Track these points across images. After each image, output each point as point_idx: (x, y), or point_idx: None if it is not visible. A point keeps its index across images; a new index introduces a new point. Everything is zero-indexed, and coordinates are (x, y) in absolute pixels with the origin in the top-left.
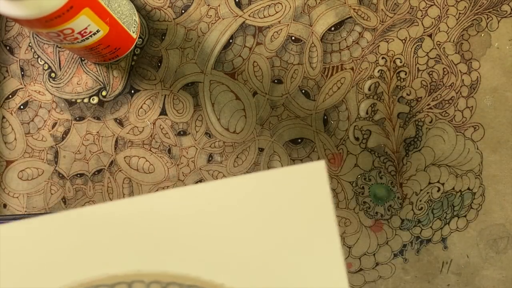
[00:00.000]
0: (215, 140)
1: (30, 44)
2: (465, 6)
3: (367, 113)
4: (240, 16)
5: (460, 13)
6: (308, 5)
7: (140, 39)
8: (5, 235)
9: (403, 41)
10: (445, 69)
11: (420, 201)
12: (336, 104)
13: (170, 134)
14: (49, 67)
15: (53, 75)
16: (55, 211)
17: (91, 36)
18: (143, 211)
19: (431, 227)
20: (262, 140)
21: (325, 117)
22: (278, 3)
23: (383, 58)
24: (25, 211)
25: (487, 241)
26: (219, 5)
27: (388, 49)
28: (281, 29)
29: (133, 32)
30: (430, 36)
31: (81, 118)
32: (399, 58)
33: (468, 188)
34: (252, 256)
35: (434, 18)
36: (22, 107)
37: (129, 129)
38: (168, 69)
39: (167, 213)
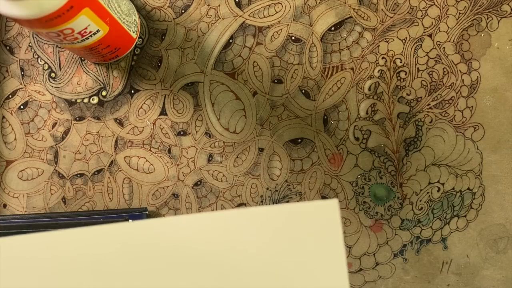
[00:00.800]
0: (215, 140)
1: (30, 44)
2: (465, 6)
3: (367, 113)
4: (240, 16)
5: (460, 13)
6: (308, 5)
7: (140, 39)
8: (11, 247)
9: (403, 41)
10: (445, 69)
11: (420, 201)
12: (336, 104)
13: (170, 134)
14: (49, 67)
15: (53, 75)
16: (55, 211)
17: (91, 36)
18: (157, 234)
19: (431, 227)
20: (262, 140)
21: (325, 117)
22: (278, 3)
23: (383, 58)
24: (25, 211)
25: (487, 241)
26: (219, 5)
27: (388, 49)
28: (281, 29)
29: (133, 32)
30: (430, 36)
31: (81, 118)
32: (399, 58)
33: (468, 188)
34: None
35: (434, 18)
36: (22, 107)
37: (129, 129)
38: (168, 69)
39: (181, 238)
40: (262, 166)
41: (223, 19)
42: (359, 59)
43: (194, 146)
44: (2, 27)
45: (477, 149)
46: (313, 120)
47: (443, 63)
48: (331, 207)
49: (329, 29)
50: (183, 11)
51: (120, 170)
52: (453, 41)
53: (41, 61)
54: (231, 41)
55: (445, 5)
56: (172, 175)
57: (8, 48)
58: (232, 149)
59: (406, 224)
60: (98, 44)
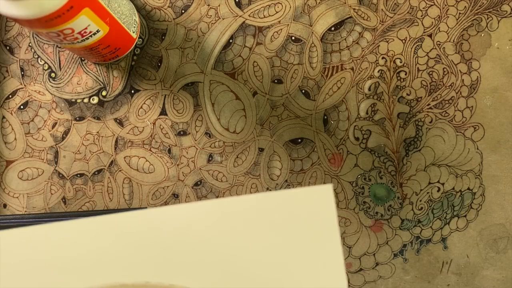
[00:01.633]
0: (215, 140)
1: (30, 44)
2: (465, 6)
3: (367, 113)
4: (240, 16)
5: (460, 13)
6: (308, 5)
7: (140, 39)
8: (12, 240)
9: (403, 41)
10: (445, 69)
11: (420, 201)
12: (336, 104)
13: (170, 134)
14: (49, 67)
15: (53, 75)
16: (55, 211)
17: (91, 36)
18: (156, 224)
19: (431, 227)
20: (262, 140)
21: (325, 117)
22: (278, 3)
23: (383, 58)
24: (25, 211)
25: (487, 241)
26: (219, 5)
27: (388, 49)
28: (281, 29)
29: (133, 32)
30: (430, 36)
31: (81, 118)
32: (399, 58)
33: (468, 188)
34: (259, 274)
35: (434, 18)
36: (22, 107)
37: (129, 129)
38: (168, 69)
39: (179, 227)
40: (262, 166)
41: (223, 19)
42: (359, 59)
43: (194, 146)
44: (2, 27)
45: (477, 149)
46: (313, 120)
47: (443, 63)
48: (326, 192)
49: (329, 29)
50: (183, 11)
51: (120, 170)
52: (453, 41)
53: (41, 61)
54: (231, 41)
55: (445, 5)
56: (172, 175)
57: (8, 48)
58: (232, 149)
59: (406, 224)
60: (98, 44)
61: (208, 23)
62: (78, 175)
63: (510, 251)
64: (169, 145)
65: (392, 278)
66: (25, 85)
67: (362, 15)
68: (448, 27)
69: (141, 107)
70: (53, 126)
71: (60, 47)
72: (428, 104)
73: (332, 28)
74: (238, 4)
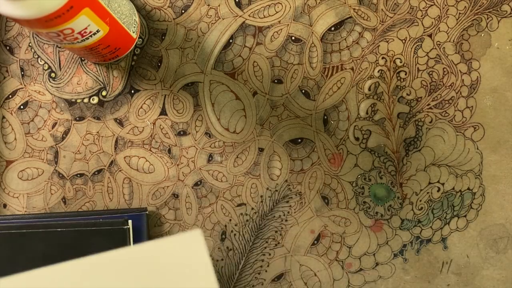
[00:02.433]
0: (215, 140)
1: (30, 44)
2: (465, 6)
3: (367, 113)
4: (240, 16)
5: (460, 13)
6: (308, 5)
7: (140, 39)
8: None
9: (403, 41)
10: (445, 69)
11: (420, 201)
12: (336, 104)
13: (170, 134)
14: (49, 67)
15: (53, 75)
16: (55, 211)
17: (91, 36)
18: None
19: (431, 227)
20: (262, 140)
21: (325, 117)
22: (278, 3)
23: (383, 58)
24: (25, 211)
25: (487, 241)
26: (219, 5)
27: (388, 49)
28: (281, 29)
29: (133, 32)
30: (430, 36)
31: (81, 118)
32: (399, 58)
33: (468, 188)
34: None
35: (434, 18)
36: (22, 107)
37: (129, 129)
38: (168, 69)
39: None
40: (262, 166)
41: (223, 19)
42: (359, 59)
43: (194, 146)
44: (2, 27)
45: (477, 149)
46: (313, 120)
47: (443, 63)
48: (195, 238)
49: (329, 29)
50: (183, 11)
51: (120, 170)
52: (453, 41)
53: (41, 61)
54: (231, 41)
55: (445, 5)
56: (172, 175)
57: (8, 48)
58: (232, 149)
59: (406, 224)
60: (98, 44)
61: (208, 23)
62: (78, 175)
63: (510, 251)
64: (169, 145)
65: (392, 278)
66: (25, 85)
67: (362, 15)
68: (448, 27)
69: (141, 107)
70: (53, 126)
71: (60, 47)
72: (428, 104)
73: (332, 28)
74: (238, 4)
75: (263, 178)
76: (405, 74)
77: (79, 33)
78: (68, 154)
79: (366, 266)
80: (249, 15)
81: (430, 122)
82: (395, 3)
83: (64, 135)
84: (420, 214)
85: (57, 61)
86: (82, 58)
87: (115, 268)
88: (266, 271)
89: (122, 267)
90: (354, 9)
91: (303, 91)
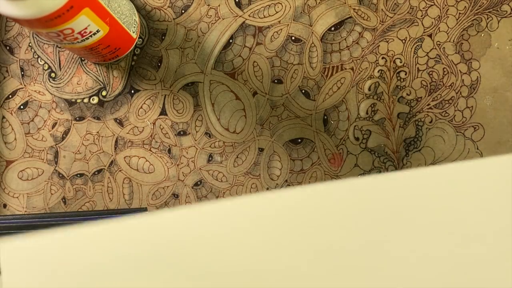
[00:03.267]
0: (215, 140)
1: (30, 44)
2: (465, 6)
3: (367, 113)
4: (240, 16)
5: (460, 13)
6: (308, 5)
7: (140, 39)
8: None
9: (403, 41)
10: (445, 69)
11: None
12: (336, 104)
13: (170, 134)
14: (49, 67)
15: (53, 75)
16: (55, 211)
17: (91, 36)
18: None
19: None
20: (262, 140)
21: (325, 117)
22: (278, 3)
23: (383, 58)
24: (25, 211)
25: None
26: (219, 5)
27: (388, 49)
28: (281, 29)
29: (133, 32)
30: (430, 36)
31: (81, 118)
32: (399, 58)
33: None
34: None
35: (434, 18)
36: (22, 107)
37: (129, 129)
38: (168, 69)
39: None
40: (262, 166)
41: (223, 19)
42: (359, 59)
43: (194, 146)
44: (2, 27)
45: (477, 149)
46: (313, 120)
47: (443, 63)
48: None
49: (329, 29)
50: (183, 11)
51: (120, 170)
52: (453, 41)
53: (41, 61)
54: (231, 41)
55: (445, 5)
56: (172, 175)
57: (8, 48)
58: (232, 149)
59: None
60: (98, 44)
61: (208, 23)
62: (78, 175)
63: None
64: (169, 145)
65: None
66: (25, 85)
67: (362, 15)
68: (448, 27)
69: (141, 107)
70: (53, 126)
71: (60, 47)
72: (428, 104)
73: (332, 28)
74: (238, 4)
75: (263, 178)
76: (405, 74)
77: (79, 33)
78: (68, 154)
79: None
80: (249, 15)
81: (430, 122)
82: (395, 3)
83: (64, 135)
84: None
85: (57, 61)
86: (82, 58)
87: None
88: None
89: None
90: (354, 9)
91: (303, 91)
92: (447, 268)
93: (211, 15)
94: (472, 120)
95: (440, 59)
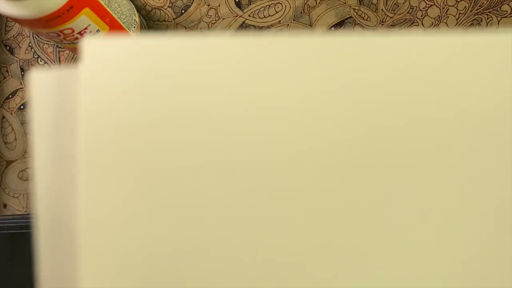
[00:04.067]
0: None
1: (30, 44)
2: (465, 6)
3: None
4: (240, 16)
5: (460, 13)
6: (308, 5)
7: None
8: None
9: None
10: None
11: None
12: None
13: None
14: (49, 67)
15: None
16: None
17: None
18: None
19: None
20: None
21: None
22: (278, 3)
23: None
24: (25, 211)
25: None
26: (219, 5)
27: None
28: (281, 29)
29: (133, 32)
30: None
31: None
32: None
33: None
34: None
35: (434, 18)
36: (22, 107)
37: None
38: None
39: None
40: None
41: (223, 19)
42: None
43: None
44: (2, 27)
45: None
46: None
47: None
48: None
49: (329, 29)
50: (183, 11)
51: None
52: None
53: (41, 61)
54: None
55: (445, 5)
56: None
57: (8, 48)
58: None
59: None
60: None
61: (208, 23)
62: None
63: None
64: None
65: None
66: (25, 85)
67: (362, 15)
68: (448, 27)
69: None
70: None
71: (60, 47)
72: None
73: (332, 28)
74: (238, 4)
75: None
76: None
77: (79, 33)
78: None
79: None
80: (249, 15)
81: None
82: (395, 3)
83: None
84: None
85: (57, 61)
86: None
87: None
88: None
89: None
90: (354, 9)
91: None
92: None
93: (211, 15)
94: None
95: None
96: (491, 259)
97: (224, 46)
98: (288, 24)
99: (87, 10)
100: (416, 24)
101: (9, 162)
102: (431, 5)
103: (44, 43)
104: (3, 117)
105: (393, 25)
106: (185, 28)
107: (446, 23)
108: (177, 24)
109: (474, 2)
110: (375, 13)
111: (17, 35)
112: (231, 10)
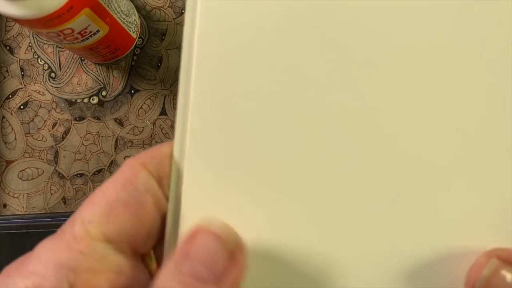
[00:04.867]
0: None
1: (30, 44)
2: None
3: None
4: None
5: None
6: None
7: (140, 39)
8: None
9: None
10: None
11: None
12: None
13: (170, 134)
14: (49, 67)
15: (53, 75)
16: (55, 211)
17: (91, 36)
18: None
19: None
20: None
21: None
22: None
23: None
24: (25, 211)
25: None
26: None
27: None
28: None
29: (133, 32)
30: None
31: (81, 118)
32: None
33: None
34: None
35: None
36: (22, 107)
37: (129, 129)
38: (168, 69)
39: None
40: None
41: None
42: None
43: None
44: (2, 27)
45: None
46: None
47: None
48: None
49: None
50: (183, 11)
51: None
52: None
53: (41, 61)
54: None
55: None
56: None
57: (8, 48)
58: None
59: None
60: (98, 44)
61: None
62: (78, 175)
63: None
64: None
65: None
66: (25, 85)
67: None
68: None
69: (141, 107)
70: (53, 126)
71: (60, 47)
72: None
73: None
74: None
75: None
76: None
77: (79, 33)
78: (68, 154)
79: None
80: None
81: None
82: None
83: (64, 135)
84: None
85: (57, 61)
86: (82, 58)
87: None
88: None
89: None
90: None
91: None
92: None
93: None
94: None
95: None
96: None
97: None
98: None
99: (87, 10)
100: None
101: (9, 162)
102: None
103: (44, 43)
104: (3, 117)
105: None
106: None
107: None
108: (177, 24)
109: None
110: None
111: (17, 35)
112: None
